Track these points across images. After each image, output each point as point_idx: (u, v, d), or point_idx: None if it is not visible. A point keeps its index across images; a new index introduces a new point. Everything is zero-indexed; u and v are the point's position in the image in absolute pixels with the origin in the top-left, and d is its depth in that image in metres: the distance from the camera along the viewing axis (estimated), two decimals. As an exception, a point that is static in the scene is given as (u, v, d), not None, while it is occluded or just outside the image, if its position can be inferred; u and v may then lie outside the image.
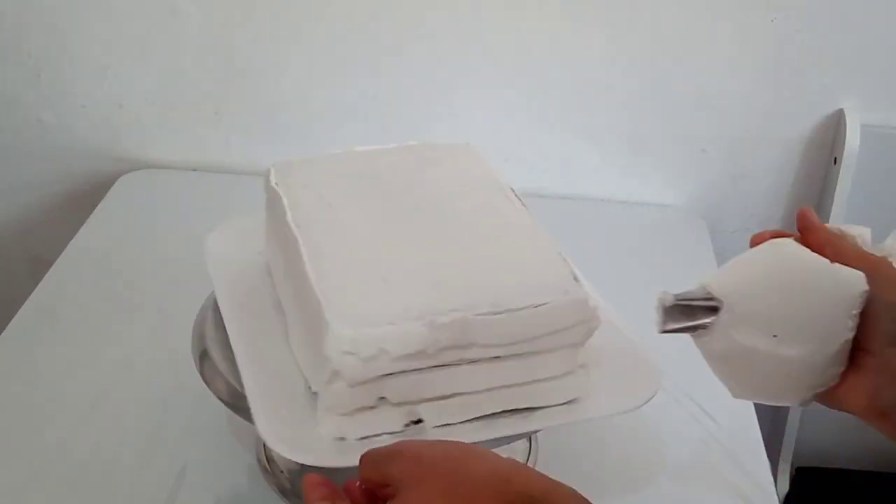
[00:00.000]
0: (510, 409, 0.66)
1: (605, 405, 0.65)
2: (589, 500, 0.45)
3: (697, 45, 1.15)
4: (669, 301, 0.53)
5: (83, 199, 1.24)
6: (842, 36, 1.13)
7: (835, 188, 1.16)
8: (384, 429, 0.64)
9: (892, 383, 0.52)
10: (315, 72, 1.20)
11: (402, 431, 0.64)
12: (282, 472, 0.79)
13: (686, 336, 0.98)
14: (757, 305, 0.52)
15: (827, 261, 0.53)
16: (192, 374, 0.72)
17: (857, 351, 0.53)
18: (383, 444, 0.52)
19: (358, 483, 0.51)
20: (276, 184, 0.73)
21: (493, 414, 0.65)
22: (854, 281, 0.51)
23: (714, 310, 0.53)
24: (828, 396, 0.55)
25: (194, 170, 1.26)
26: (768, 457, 0.85)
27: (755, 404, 0.91)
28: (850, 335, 0.52)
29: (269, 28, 1.18)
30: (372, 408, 0.63)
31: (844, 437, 1.35)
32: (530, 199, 0.76)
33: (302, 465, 0.60)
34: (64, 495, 0.78)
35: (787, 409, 1.28)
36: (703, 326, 0.54)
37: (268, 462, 0.80)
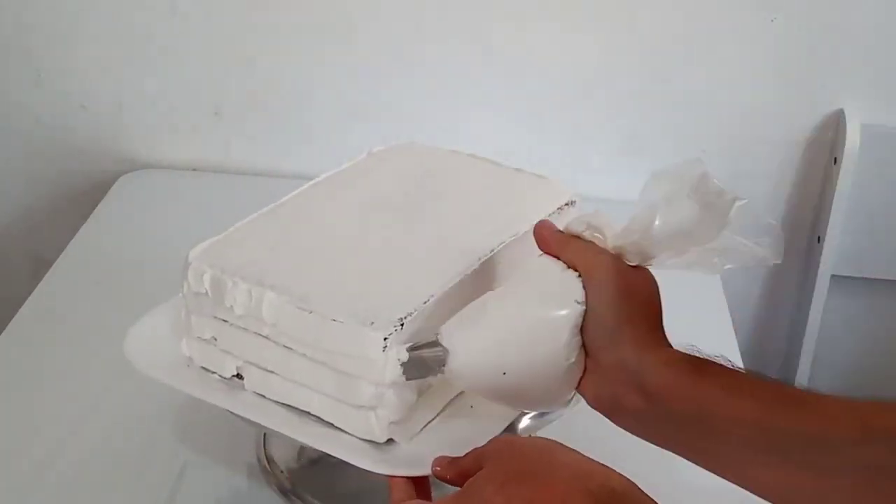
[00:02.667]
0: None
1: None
2: None
3: (697, 45, 1.15)
4: (404, 357, 0.59)
5: (83, 199, 1.24)
6: (842, 36, 1.13)
7: (835, 188, 1.16)
8: (432, 414, 0.64)
9: (607, 382, 0.56)
10: (315, 72, 1.20)
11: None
12: (281, 471, 0.79)
13: (686, 337, 0.98)
14: (480, 349, 0.57)
15: (542, 296, 0.57)
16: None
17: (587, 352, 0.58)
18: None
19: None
20: (222, 272, 0.66)
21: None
22: (564, 318, 0.56)
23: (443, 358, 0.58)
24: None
25: (194, 170, 1.26)
26: (768, 457, 0.85)
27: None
28: (572, 360, 0.56)
29: (270, 28, 1.18)
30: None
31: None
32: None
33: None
34: (64, 495, 0.78)
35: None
36: (439, 373, 0.59)
37: (268, 462, 0.80)
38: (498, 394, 0.59)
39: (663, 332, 0.57)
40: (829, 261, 1.19)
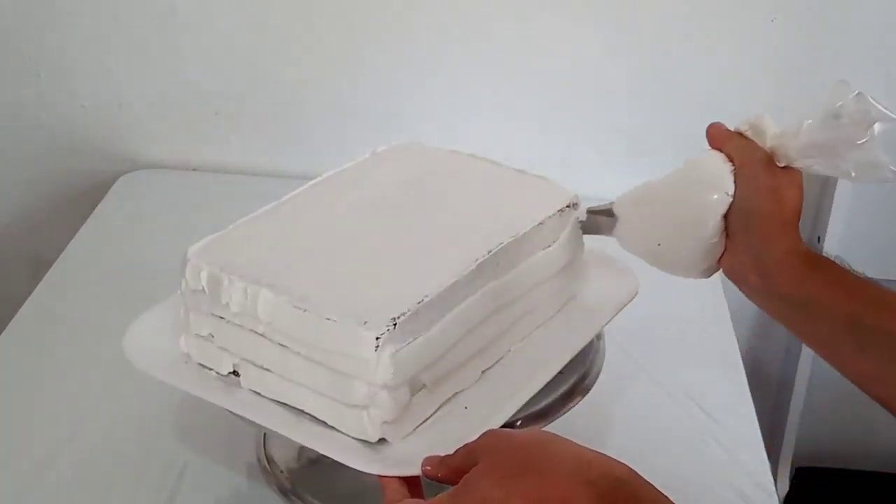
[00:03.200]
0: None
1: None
2: (670, 499, 0.48)
3: (697, 45, 1.15)
4: (583, 216, 0.72)
5: (83, 199, 1.24)
6: (842, 36, 1.13)
7: (835, 188, 1.16)
8: (426, 414, 0.64)
9: (738, 262, 0.65)
10: (315, 72, 1.20)
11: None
12: (282, 471, 0.79)
13: (686, 337, 0.98)
14: (642, 221, 0.68)
15: (699, 184, 0.66)
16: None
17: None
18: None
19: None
20: (219, 270, 0.66)
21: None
22: (713, 204, 0.64)
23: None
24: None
25: (194, 170, 1.26)
26: (768, 457, 0.85)
27: (755, 404, 0.91)
28: (715, 240, 0.65)
29: (269, 28, 1.18)
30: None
31: (844, 437, 1.35)
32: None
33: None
34: (64, 495, 0.78)
35: (787, 408, 1.28)
36: (608, 234, 0.71)
37: (268, 462, 0.80)
38: (650, 257, 0.69)
39: (795, 228, 0.63)
40: (829, 261, 1.19)
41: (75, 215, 1.18)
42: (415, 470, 0.58)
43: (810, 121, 0.61)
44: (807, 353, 1.25)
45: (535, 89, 1.19)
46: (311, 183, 0.78)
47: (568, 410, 0.68)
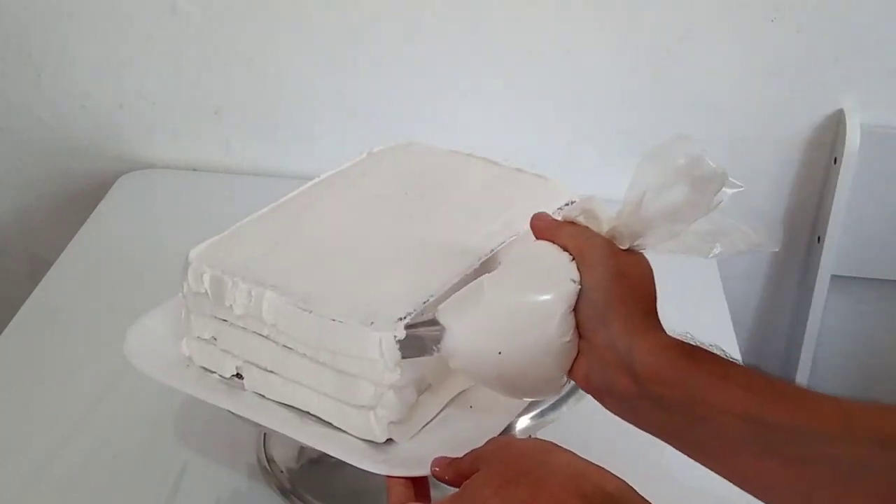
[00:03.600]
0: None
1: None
2: None
3: (697, 45, 1.15)
4: (401, 334, 0.58)
5: (83, 199, 1.24)
6: (842, 36, 1.13)
7: (835, 188, 1.16)
8: (431, 414, 0.64)
9: (598, 364, 0.56)
10: (315, 72, 1.20)
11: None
12: (282, 471, 0.79)
13: (686, 337, 0.98)
14: (475, 330, 0.57)
15: (536, 276, 0.57)
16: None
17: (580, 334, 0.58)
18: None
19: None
20: (221, 272, 0.66)
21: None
22: (558, 295, 0.56)
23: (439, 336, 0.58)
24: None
25: (194, 170, 1.26)
26: (768, 457, 0.85)
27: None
28: (566, 339, 0.56)
29: (269, 28, 1.18)
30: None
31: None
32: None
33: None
34: (64, 495, 0.78)
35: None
36: (435, 352, 0.59)
37: (268, 462, 0.80)
38: (492, 375, 0.59)
39: (657, 317, 0.57)
40: (829, 261, 1.19)
41: (75, 215, 1.18)
42: (423, 470, 0.58)
43: (649, 194, 0.55)
44: (807, 354, 1.25)
45: (535, 89, 1.19)
46: (309, 183, 0.78)
47: (569, 409, 0.68)
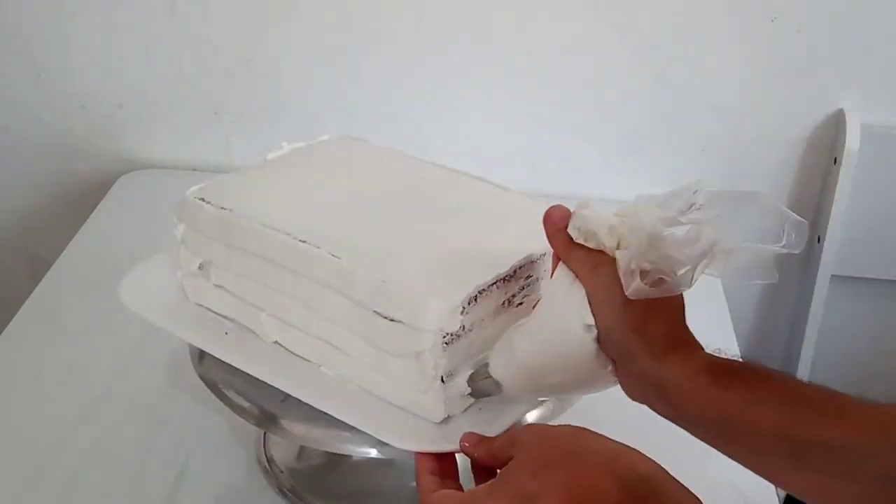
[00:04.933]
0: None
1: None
2: (695, 494, 0.49)
3: (697, 45, 1.15)
4: (465, 389, 0.63)
5: (83, 199, 1.24)
6: (842, 36, 1.13)
7: (835, 188, 1.16)
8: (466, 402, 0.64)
9: (637, 387, 0.58)
10: (315, 72, 1.20)
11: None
12: (282, 471, 0.79)
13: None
14: (525, 382, 0.61)
15: (559, 327, 0.58)
16: (192, 373, 0.71)
17: None
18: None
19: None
20: (223, 207, 0.69)
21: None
22: (585, 344, 0.57)
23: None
24: None
25: (194, 170, 1.26)
26: (768, 457, 0.85)
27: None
28: (608, 368, 0.58)
29: (269, 28, 1.18)
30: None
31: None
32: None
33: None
34: (64, 495, 0.78)
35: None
36: (500, 392, 0.63)
37: (268, 462, 0.80)
38: (557, 398, 0.65)
39: (683, 334, 0.57)
40: (829, 261, 1.19)
41: (75, 215, 1.18)
42: (452, 446, 0.59)
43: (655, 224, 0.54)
44: (806, 354, 1.25)
45: (535, 89, 1.19)
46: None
47: (567, 409, 0.68)
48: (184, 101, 1.23)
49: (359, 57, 1.18)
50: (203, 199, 0.70)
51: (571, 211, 0.59)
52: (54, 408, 0.87)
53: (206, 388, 0.70)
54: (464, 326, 0.61)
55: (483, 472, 0.57)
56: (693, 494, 0.50)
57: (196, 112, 1.23)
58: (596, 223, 0.57)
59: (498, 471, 0.55)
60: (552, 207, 0.60)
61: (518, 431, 0.56)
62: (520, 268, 0.65)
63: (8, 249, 1.34)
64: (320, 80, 1.20)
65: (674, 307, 0.57)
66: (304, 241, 0.65)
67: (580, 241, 0.58)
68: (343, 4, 1.15)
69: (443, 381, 0.61)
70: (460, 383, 0.63)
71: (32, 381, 0.90)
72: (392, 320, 0.61)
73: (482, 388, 0.62)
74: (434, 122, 1.21)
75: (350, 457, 0.76)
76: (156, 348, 0.92)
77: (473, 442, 0.58)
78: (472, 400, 0.64)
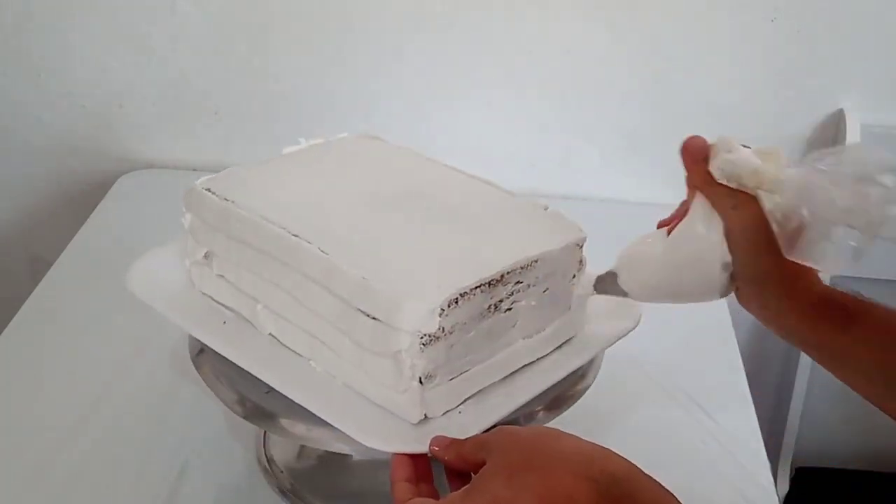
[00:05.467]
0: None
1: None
2: (671, 492, 0.49)
3: (697, 44, 1.15)
4: (590, 290, 0.68)
5: (83, 199, 1.24)
6: (842, 36, 1.13)
7: (835, 188, 1.15)
8: (461, 399, 0.64)
9: (758, 307, 0.62)
10: (315, 72, 1.20)
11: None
12: (282, 471, 0.79)
13: (687, 337, 0.98)
14: (651, 291, 0.65)
15: (693, 259, 0.61)
16: (192, 373, 0.72)
17: None
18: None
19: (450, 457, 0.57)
20: (226, 198, 0.70)
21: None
22: (718, 276, 0.61)
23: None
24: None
25: (194, 170, 1.26)
26: (768, 457, 0.85)
27: (755, 404, 0.91)
28: (729, 291, 0.62)
29: (269, 28, 1.18)
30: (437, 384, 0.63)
31: (844, 437, 1.35)
32: (531, 200, 0.76)
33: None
34: (64, 495, 0.78)
35: (787, 409, 1.28)
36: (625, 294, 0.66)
37: (268, 462, 0.80)
38: (667, 303, 0.65)
39: (810, 276, 0.60)
40: (829, 261, 1.19)
41: (75, 215, 1.18)
42: (422, 448, 0.58)
43: (828, 183, 0.56)
44: (806, 354, 1.25)
45: (536, 89, 1.19)
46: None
47: (565, 411, 0.68)
48: (184, 101, 1.23)
49: (359, 57, 1.18)
50: (209, 190, 0.71)
51: (710, 144, 0.59)
52: (54, 408, 0.87)
53: (206, 387, 0.70)
54: (443, 328, 0.60)
55: (455, 476, 0.56)
56: (670, 493, 0.50)
57: (196, 112, 1.23)
58: (742, 166, 0.58)
59: (472, 474, 0.54)
60: (691, 138, 0.60)
61: (488, 435, 0.56)
62: (507, 273, 0.64)
63: (8, 249, 1.34)
64: (320, 81, 1.20)
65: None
66: (296, 236, 0.65)
67: (722, 181, 0.58)
68: (343, 4, 1.15)
69: (421, 382, 0.61)
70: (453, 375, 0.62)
71: (32, 381, 0.90)
72: (373, 318, 0.61)
73: (608, 290, 0.67)
74: (434, 122, 1.21)
75: (350, 457, 0.76)
76: (156, 348, 0.92)
77: (443, 445, 0.57)
78: (454, 404, 0.63)
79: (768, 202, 0.56)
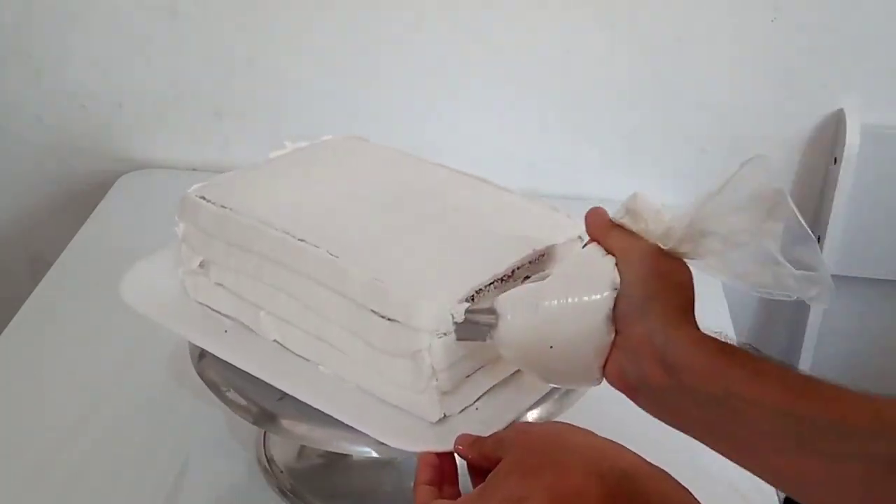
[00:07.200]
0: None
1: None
2: (683, 486, 0.49)
3: (697, 45, 1.15)
4: (459, 316, 0.61)
5: (83, 199, 1.24)
6: (842, 36, 1.13)
7: (835, 188, 1.16)
8: (476, 395, 0.64)
9: (632, 357, 0.56)
10: (315, 72, 1.20)
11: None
12: (281, 471, 0.79)
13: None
14: (531, 325, 0.59)
15: (584, 281, 0.59)
16: (192, 373, 0.72)
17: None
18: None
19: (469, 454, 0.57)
20: (223, 205, 0.70)
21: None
22: (603, 298, 0.58)
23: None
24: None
25: (194, 170, 1.26)
26: (768, 457, 0.85)
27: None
28: (611, 336, 0.58)
29: (269, 28, 1.18)
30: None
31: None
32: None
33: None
34: (64, 495, 0.78)
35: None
36: (488, 339, 0.61)
37: (268, 462, 0.80)
38: (536, 364, 0.61)
39: (693, 316, 0.57)
40: (829, 261, 1.19)
41: (75, 215, 1.18)
42: (447, 446, 0.58)
43: (711, 206, 0.55)
44: (806, 354, 1.25)
45: (536, 89, 1.19)
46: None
47: (565, 410, 0.68)
48: (184, 101, 1.23)
49: (359, 57, 1.18)
50: (203, 198, 0.71)
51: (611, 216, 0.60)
52: (54, 408, 0.87)
53: (206, 387, 0.70)
54: None
55: (478, 473, 0.57)
56: (682, 486, 0.50)
57: (196, 112, 1.23)
58: (646, 208, 0.58)
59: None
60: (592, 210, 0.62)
61: (504, 432, 0.56)
62: (518, 268, 0.65)
63: (8, 249, 1.34)
64: (320, 81, 1.20)
65: (688, 294, 0.58)
66: (302, 240, 0.65)
67: (625, 222, 0.59)
68: (343, 4, 1.15)
69: (438, 380, 0.61)
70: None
71: (32, 381, 0.90)
72: (388, 319, 0.61)
73: (477, 322, 0.61)
74: (434, 122, 1.21)
75: (350, 457, 0.76)
76: (156, 348, 0.92)
77: (467, 443, 0.58)
78: (470, 400, 0.64)
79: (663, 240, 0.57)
